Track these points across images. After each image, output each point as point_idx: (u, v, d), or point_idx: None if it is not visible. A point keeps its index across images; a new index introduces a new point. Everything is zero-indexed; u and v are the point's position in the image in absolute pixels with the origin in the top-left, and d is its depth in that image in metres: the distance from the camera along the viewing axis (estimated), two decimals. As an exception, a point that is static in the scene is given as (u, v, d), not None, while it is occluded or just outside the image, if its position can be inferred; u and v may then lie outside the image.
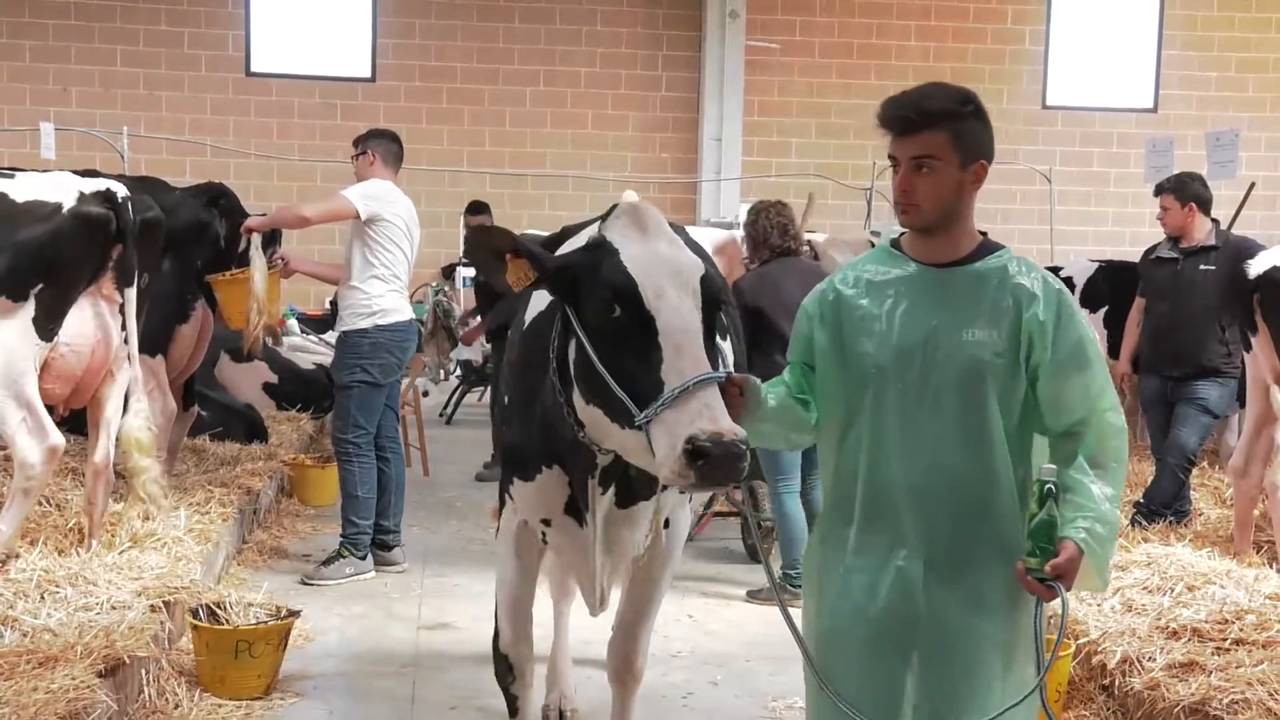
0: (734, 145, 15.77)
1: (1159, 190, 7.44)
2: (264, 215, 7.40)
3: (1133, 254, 8.96)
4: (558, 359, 3.30)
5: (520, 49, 15.64)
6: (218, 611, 5.32)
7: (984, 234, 3.07)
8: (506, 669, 4.09)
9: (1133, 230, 15.52)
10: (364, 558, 6.91)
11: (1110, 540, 2.89)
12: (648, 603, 4.13)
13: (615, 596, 4.24)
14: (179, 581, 5.55)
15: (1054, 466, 2.82)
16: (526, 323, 3.84)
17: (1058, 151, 16.12)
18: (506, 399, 3.95)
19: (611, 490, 3.58)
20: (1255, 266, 6.08)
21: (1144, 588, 5.38)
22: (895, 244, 3.11)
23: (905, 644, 2.94)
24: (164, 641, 5.17)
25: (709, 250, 5.35)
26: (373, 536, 7.04)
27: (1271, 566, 6.00)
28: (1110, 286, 9.58)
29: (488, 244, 3.28)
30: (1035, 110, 16.57)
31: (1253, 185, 10.54)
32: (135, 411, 6.01)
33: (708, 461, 2.73)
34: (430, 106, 15.46)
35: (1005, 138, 15.50)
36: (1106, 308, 9.45)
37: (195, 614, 5.30)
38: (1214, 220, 7.37)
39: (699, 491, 3.01)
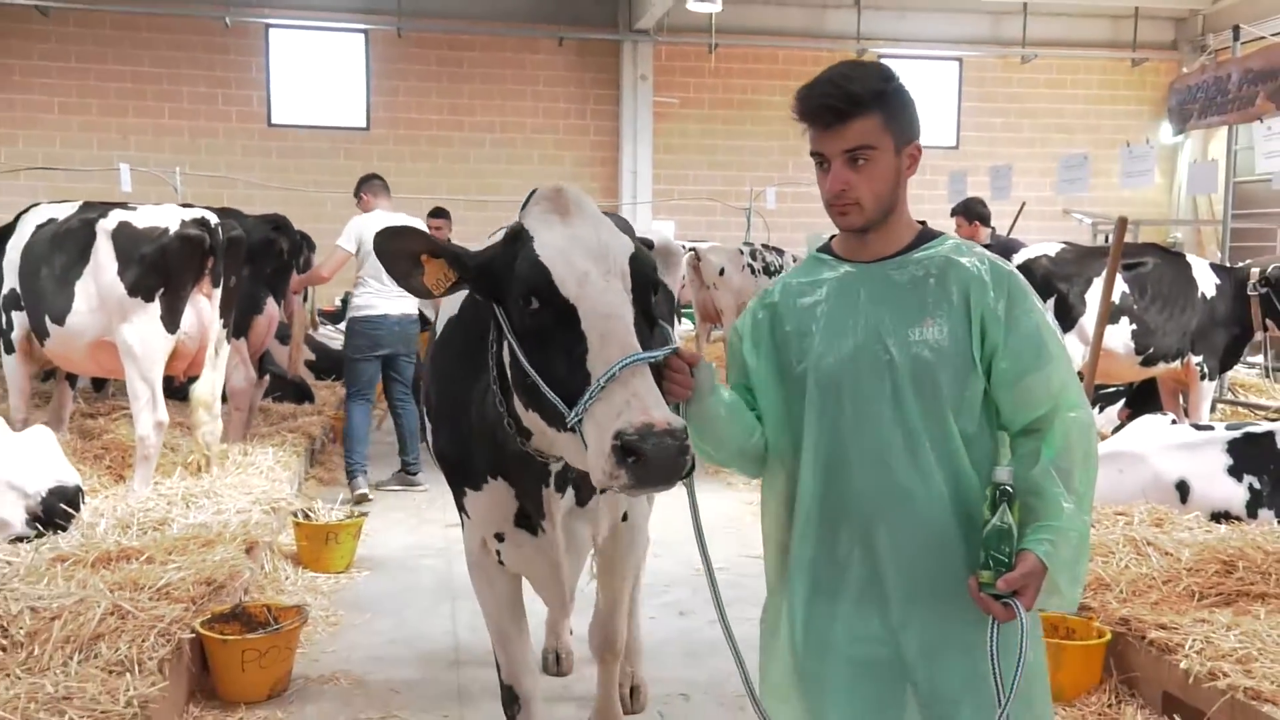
0: (646, 176, 16.05)
1: (952, 212, 8.33)
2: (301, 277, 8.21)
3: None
4: (496, 366, 2.44)
5: (480, 104, 15.82)
6: (310, 514, 5.81)
7: (922, 223, 2.29)
8: (511, 698, 3.14)
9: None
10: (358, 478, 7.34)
11: (1080, 552, 2.07)
12: (619, 595, 3.32)
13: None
14: (278, 494, 6.01)
15: (1009, 468, 2.07)
16: (439, 328, 2.96)
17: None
18: (433, 403, 2.95)
19: (570, 491, 2.76)
20: (1014, 260, 6.98)
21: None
22: (825, 249, 2.32)
23: (897, 679, 2.16)
24: (274, 533, 5.68)
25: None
26: (403, 466, 7.63)
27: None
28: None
29: (398, 247, 2.34)
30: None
31: (1024, 204, 11.41)
32: (205, 379, 6.18)
33: (640, 459, 1.98)
34: (412, 149, 15.60)
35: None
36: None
37: (295, 515, 5.88)
38: (992, 229, 8.27)
39: (635, 494, 2.16)
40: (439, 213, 10.07)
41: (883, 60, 18.00)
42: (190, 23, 14.78)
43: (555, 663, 4.46)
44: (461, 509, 2.98)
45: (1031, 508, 2.07)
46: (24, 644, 3.61)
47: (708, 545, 2.36)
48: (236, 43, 15.06)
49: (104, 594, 4.03)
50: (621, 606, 3.42)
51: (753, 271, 11.89)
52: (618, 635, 3.45)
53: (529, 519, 2.82)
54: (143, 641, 3.73)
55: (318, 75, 15.59)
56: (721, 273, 11.45)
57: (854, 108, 2.10)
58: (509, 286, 2.30)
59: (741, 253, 11.94)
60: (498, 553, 2.96)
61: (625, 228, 2.67)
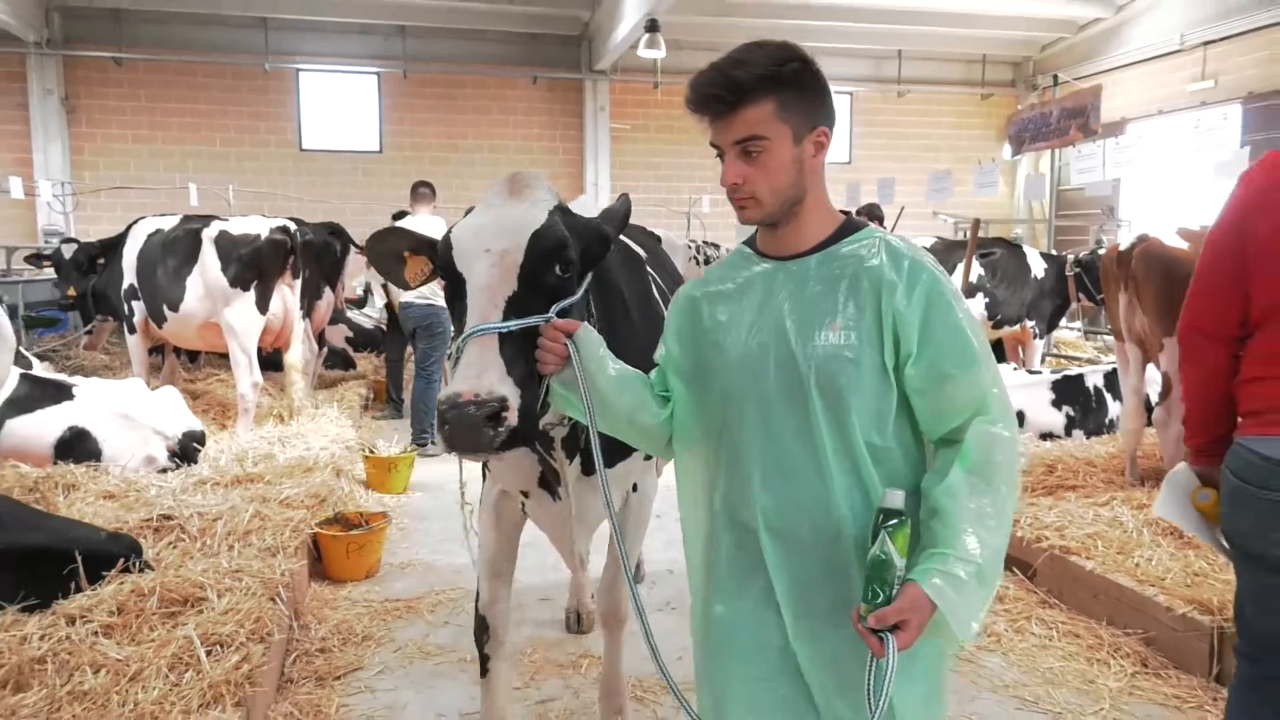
0: (605, 189, 16.12)
1: (857, 213, 8.80)
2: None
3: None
4: None
5: (471, 131, 15.84)
6: (374, 450, 6.15)
7: (846, 214, 1.77)
8: (483, 628, 2.84)
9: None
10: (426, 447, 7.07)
11: (978, 585, 1.51)
12: (626, 560, 2.32)
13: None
14: (347, 436, 6.31)
15: (901, 491, 1.53)
16: None
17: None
18: None
19: (578, 459, 2.47)
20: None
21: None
22: (750, 242, 1.80)
23: (799, 689, 1.68)
24: (350, 464, 6.04)
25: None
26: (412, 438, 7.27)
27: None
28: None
29: (385, 247, 2.14)
30: (781, 164, 17.42)
31: (903, 208, 11.91)
32: (294, 350, 6.63)
33: (449, 425, 1.71)
34: (417, 168, 15.24)
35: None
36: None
37: (364, 451, 6.25)
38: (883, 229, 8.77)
39: (457, 455, 1.82)
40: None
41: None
42: (237, 69, 14.78)
43: (576, 621, 4.00)
44: (485, 467, 2.76)
45: (931, 530, 1.54)
46: (197, 537, 4.03)
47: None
48: (274, 84, 15.02)
49: (246, 504, 4.46)
50: (627, 572, 3.11)
51: (696, 264, 12.41)
52: (623, 599, 3.02)
53: (549, 482, 2.58)
54: (280, 535, 4.17)
55: (339, 109, 15.59)
56: None
57: (739, 96, 1.58)
58: None
59: (689, 248, 12.42)
60: (523, 506, 2.73)
61: (646, 237, 2.46)
